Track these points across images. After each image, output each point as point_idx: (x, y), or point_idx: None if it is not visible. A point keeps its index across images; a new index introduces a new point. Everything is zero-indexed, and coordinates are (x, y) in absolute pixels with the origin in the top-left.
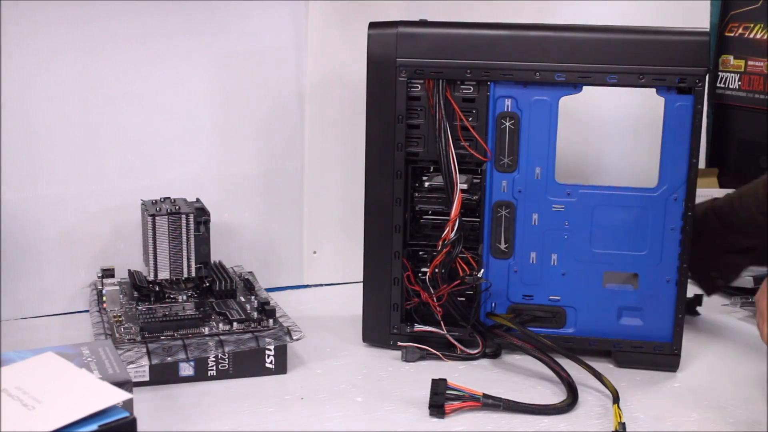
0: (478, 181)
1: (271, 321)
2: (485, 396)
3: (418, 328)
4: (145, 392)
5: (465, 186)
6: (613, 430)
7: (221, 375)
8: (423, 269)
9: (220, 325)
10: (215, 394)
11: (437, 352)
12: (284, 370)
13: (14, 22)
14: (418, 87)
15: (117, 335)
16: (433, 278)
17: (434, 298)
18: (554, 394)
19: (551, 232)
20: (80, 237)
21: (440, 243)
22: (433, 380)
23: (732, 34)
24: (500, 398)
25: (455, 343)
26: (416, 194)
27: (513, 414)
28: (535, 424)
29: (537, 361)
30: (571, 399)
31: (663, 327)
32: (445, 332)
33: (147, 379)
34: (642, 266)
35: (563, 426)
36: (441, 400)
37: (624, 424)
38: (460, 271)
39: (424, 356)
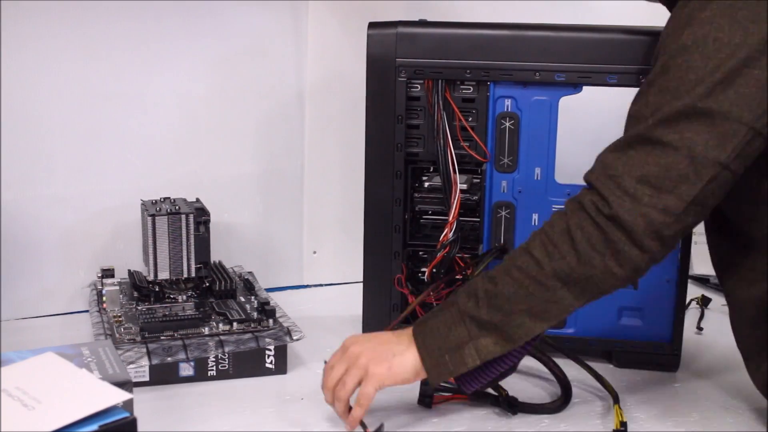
0: (478, 181)
1: (271, 321)
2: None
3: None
4: (145, 392)
5: (465, 186)
6: (615, 429)
7: (221, 375)
8: (423, 269)
9: (220, 325)
10: (215, 394)
11: None
12: (284, 370)
13: (15, 23)
14: (418, 87)
15: (117, 335)
16: (431, 279)
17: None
18: (554, 395)
19: None
20: (80, 237)
21: (439, 244)
22: None
23: None
24: (488, 393)
25: None
26: (416, 194)
27: (512, 413)
28: (535, 424)
29: (538, 361)
30: (563, 400)
31: (663, 327)
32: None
33: (147, 379)
34: None
35: (564, 426)
36: (430, 390)
37: (626, 423)
38: (458, 271)
39: None
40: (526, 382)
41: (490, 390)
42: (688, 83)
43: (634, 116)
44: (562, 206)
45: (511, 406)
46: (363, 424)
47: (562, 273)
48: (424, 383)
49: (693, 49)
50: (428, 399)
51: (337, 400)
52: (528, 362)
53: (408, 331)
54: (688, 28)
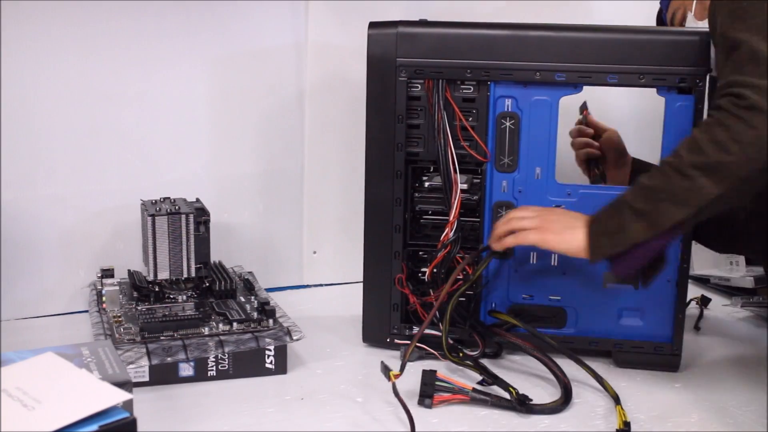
0: (479, 181)
1: (271, 321)
2: (474, 390)
3: (417, 330)
4: (145, 392)
5: (465, 186)
6: (617, 428)
7: (221, 375)
8: (423, 269)
9: (220, 325)
10: (215, 394)
11: (435, 352)
12: (284, 370)
13: (15, 23)
14: (418, 87)
15: (117, 335)
16: (432, 279)
17: (420, 300)
18: (554, 395)
19: None
20: (80, 237)
21: (440, 244)
22: (424, 371)
23: None
24: (489, 393)
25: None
26: (416, 194)
27: (512, 414)
28: (535, 424)
29: (538, 361)
30: (564, 399)
31: (663, 327)
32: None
33: (147, 379)
34: None
35: (564, 426)
36: (430, 390)
37: (629, 423)
38: (459, 271)
39: (423, 356)
40: (526, 382)
41: (496, 391)
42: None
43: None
44: (562, 206)
45: (522, 404)
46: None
47: (700, 162)
48: (424, 383)
49: None
50: (428, 399)
51: (504, 225)
52: (528, 362)
53: (583, 215)
54: None
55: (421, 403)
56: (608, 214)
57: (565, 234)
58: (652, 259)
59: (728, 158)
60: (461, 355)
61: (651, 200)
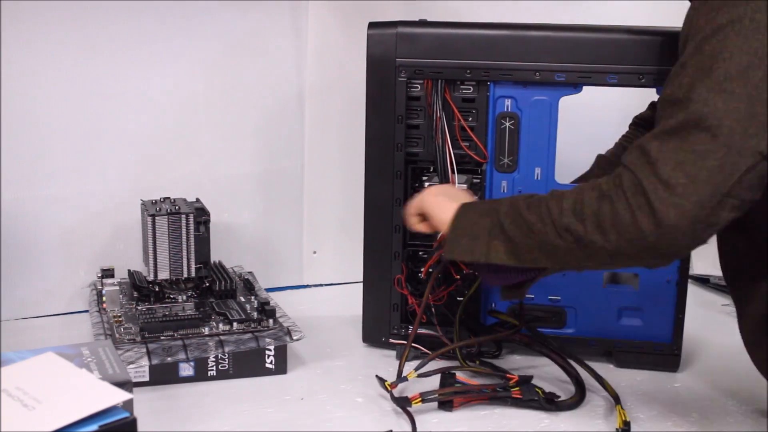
0: (478, 181)
1: (271, 321)
2: (493, 390)
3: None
4: (145, 392)
5: (465, 186)
6: (617, 428)
7: (221, 375)
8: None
9: (220, 325)
10: (215, 394)
11: (428, 351)
12: (284, 370)
13: (15, 24)
14: (418, 87)
15: (117, 335)
16: (427, 278)
17: (418, 301)
18: (556, 390)
19: None
20: (80, 237)
21: (435, 244)
22: (442, 375)
23: None
24: (508, 393)
25: (446, 341)
26: (416, 194)
27: (513, 412)
28: (535, 423)
29: (536, 359)
30: (579, 395)
31: (663, 327)
32: (438, 333)
33: (147, 379)
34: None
35: (564, 426)
36: (450, 394)
37: (629, 422)
38: (453, 272)
39: (419, 355)
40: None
41: (514, 392)
42: (722, 61)
43: (668, 100)
44: None
45: (550, 402)
46: None
47: (576, 232)
48: (443, 387)
49: (728, 28)
50: (449, 403)
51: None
52: (527, 361)
53: (464, 198)
54: (724, 8)
55: (441, 407)
56: (480, 210)
57: (435, 219)
58: (522, 281)
59: (602, 242)
60: (477, 362)
61: (522, 232)
